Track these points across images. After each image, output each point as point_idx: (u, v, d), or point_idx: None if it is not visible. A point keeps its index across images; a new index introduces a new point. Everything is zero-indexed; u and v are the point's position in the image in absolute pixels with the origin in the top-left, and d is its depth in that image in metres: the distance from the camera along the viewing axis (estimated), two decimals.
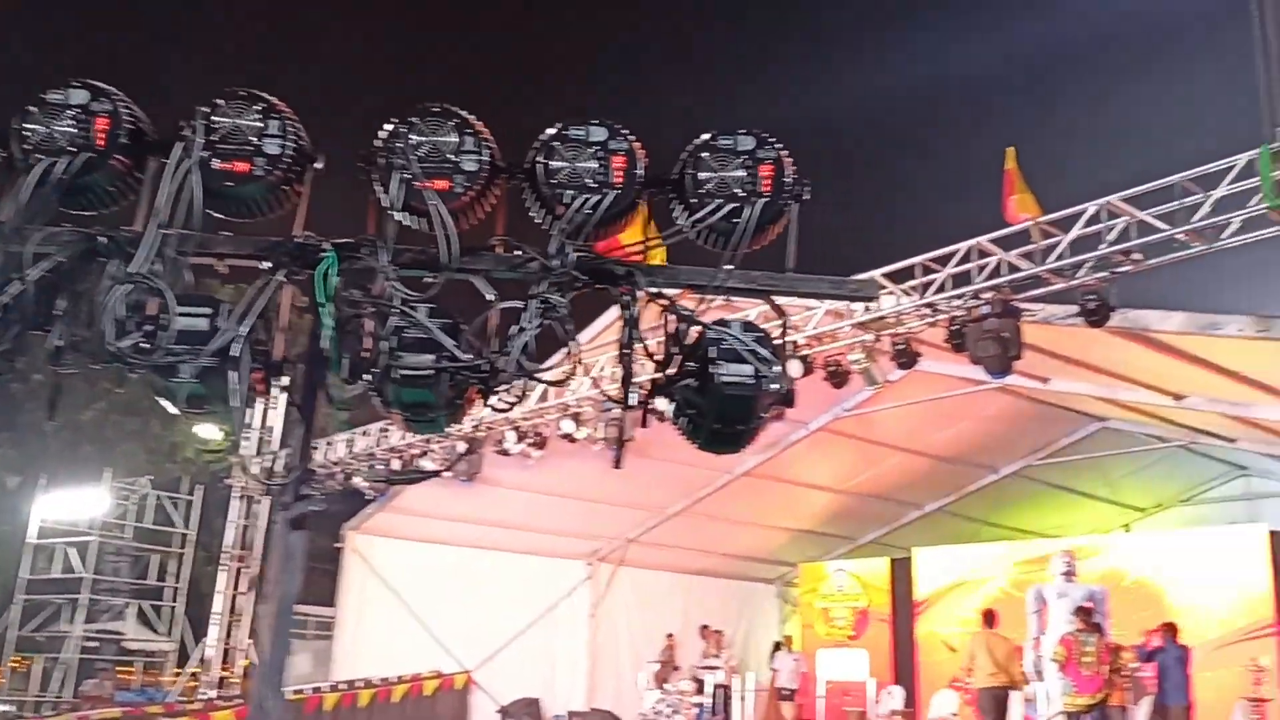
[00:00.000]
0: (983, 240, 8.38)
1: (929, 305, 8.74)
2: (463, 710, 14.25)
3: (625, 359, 2.30)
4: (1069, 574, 13.18)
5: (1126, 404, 12.42)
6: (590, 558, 16.77)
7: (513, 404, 2.35)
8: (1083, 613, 11.24)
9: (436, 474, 12.22)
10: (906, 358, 9.08)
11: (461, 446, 12.05)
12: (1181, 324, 8.07)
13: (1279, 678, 12.02)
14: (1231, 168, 7.03)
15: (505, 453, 11.79)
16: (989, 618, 12.43)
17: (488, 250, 2.43)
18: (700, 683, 15.31)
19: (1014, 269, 8.18)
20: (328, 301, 2.28)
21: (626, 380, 2.31)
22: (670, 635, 16.21)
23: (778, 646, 16.89)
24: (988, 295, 8.25)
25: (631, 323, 2.31)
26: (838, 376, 9.56)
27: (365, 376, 2.25)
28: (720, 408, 2.29)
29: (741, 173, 2.40)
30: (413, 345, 2.23)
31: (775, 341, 2.41)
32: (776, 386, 2.31)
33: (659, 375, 2.33)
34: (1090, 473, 15.62)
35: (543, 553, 16.18)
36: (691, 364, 2.31)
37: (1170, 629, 11.23)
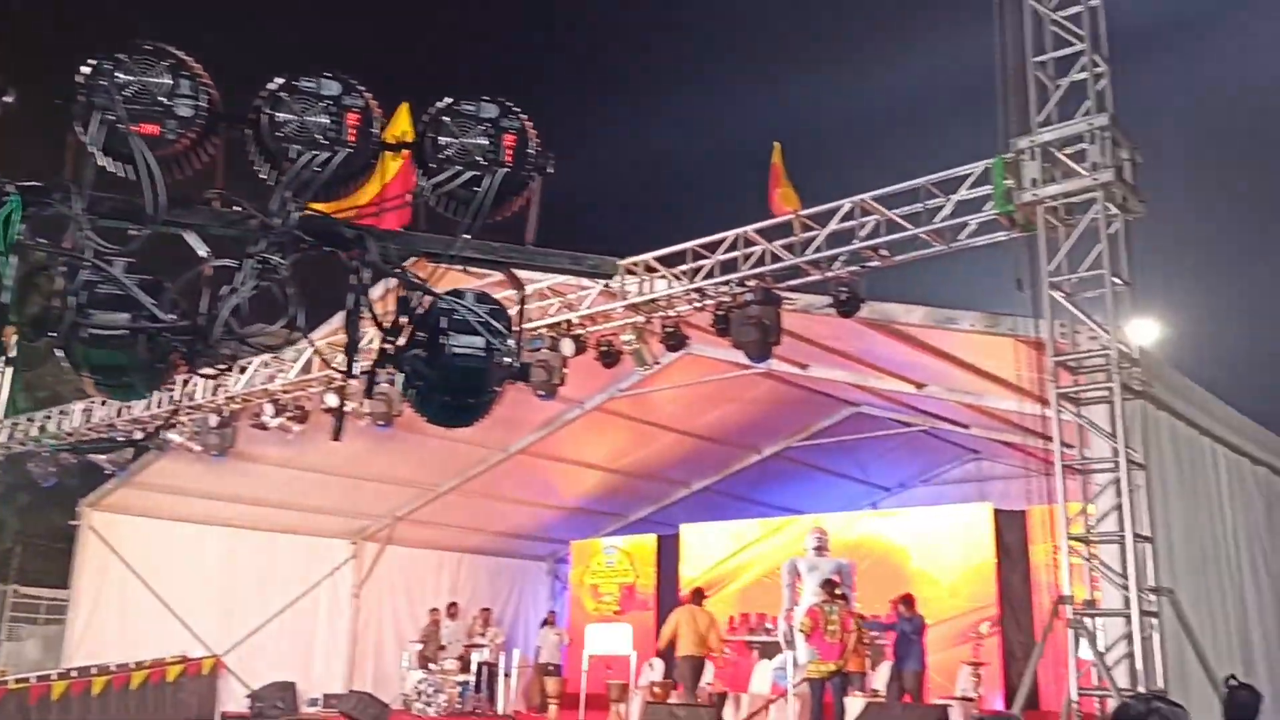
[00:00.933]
0: (748, 230, 8.67)
1: (698, 290, 8.97)
2: (210, 696, 13.51)
3: (351, 327, 2.20)
4: (820, 549, 13.95)
5: (876, 390, 13.26)
6: (355, 536, 16.28)
7: (221, 371, 2.19)
8: (829, 585, 11.93)
9: (125, 444, 11.49)
10: (675, 340, 9.30)
11: (213, 419, 11.36)
12: (922, 317, 8.65)
13: (999, 642, 13.20)
14: (970, 175, 7.59)
15: (263, 426, 11.21)
16: (697, 595, 13.20)
17: (203, 204, 2.26)
18: (465, 661, 15.20)
19: (776, 259, 8.52)
20: (8, 250, 2.05)
21: (350, 349, 2.21)
22: (434, 610, 16.01)
23: (546, 623, 17.03)
24: (752, 283, 8.55)
25: (360, 289, 2.21)
26: (609, 357, 9.67)
27: (50, 334, 2.04)
28: (450, 380, 2.22)
29: (483, 141, 2.34)
30: (105, 302, 2.03)
31: (532, 322, 2.37)
32: (510, 360, 2.28)
33: (387, 345, 2.24)
34: (843, 454, 16.59)
35: (304, 532, 15.56)
36: (422, 334, 2.24)
37: (907, 600, 12.09)
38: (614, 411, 14.56)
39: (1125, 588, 6.64)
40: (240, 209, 2.21)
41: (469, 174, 2.30)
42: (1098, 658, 6.73)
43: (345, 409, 8.89)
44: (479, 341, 2.22)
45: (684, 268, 9.00)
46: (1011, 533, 13.62)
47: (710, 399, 14.47)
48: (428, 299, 2.24)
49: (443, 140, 2.33)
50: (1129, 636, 6.65)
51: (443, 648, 15.49)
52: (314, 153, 2.21)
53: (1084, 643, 6.89)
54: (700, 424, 15.40)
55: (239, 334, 2.10)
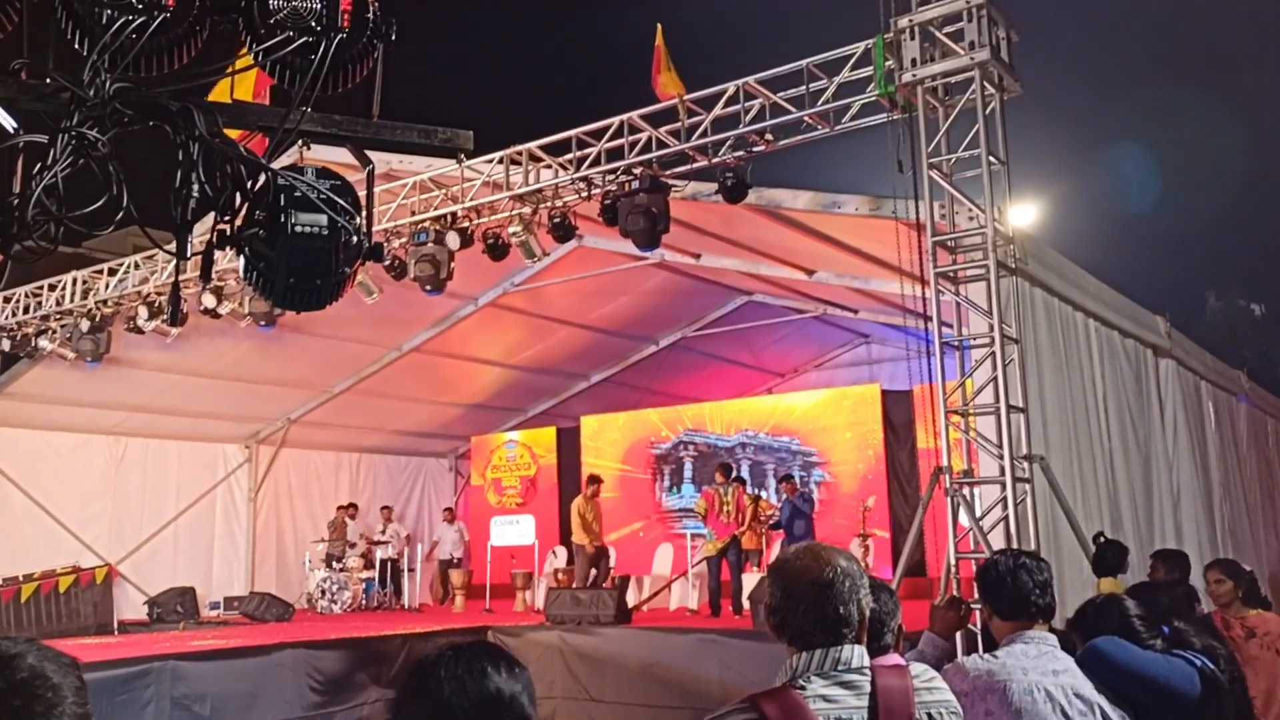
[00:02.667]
0: (633, 116, 8.51)
1: (584, 179, 8.82)
2: (106, 605, 13.28)
3: (180, 206, 2.07)
4: (719, 435, 14.23)
5: (767, 278, 13.40)
6: (248, 440, 15.99)
7: (43, 253, 2.04)
8: (723, 468, 12.25)
9: None
10: (564, 231, 9.18)
11: (84, 324, 10.87)
12: (808, 202, 8.69)
13: (888, 516, 13.76)
14: (851, 55, 7.54)
15: (139, 330, 10.78)
16: (587, 482, 13.25)
17: (7, 75, 2.07)
18: (369, 559, 15.24)
19: (662, 145, 8.41)
20: None
21: (181, 230, 2.08)
22: (340, 508, 15.93)
23: (445, 519, 17.12)
24: (638, 170, 8.44)
25: (189, 165, 2.07)
26: (497, 250, 9.51)
27: None
28: (293, 260, 2.12)
29: (317, 4, 2.20)
30: None
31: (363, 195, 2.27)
32: (357, 239, 2.18)
33: (223, 226, 2.12)
34: (738, 342, 16.84)
35: (194, 437, 15.21)
36: (259, 213, 2.12)
37: (789, 481, 12.48)
38: (508, 307, 14.44)
39: (1000, 456, 6.93)
40: (51, 81, 2.04)
41: (301, 40, 2.16)
42: (974, 523, 7.05)
43: (184, 290, 8.52)
44: (322, 219, 2.12)
45: (569, 156, 8.82)
46: (898, 412, 14.09)
47: (605, 292, 14.45)
48: (265, 176, 2.12)
49: (273, 4, 2.17)
50: (1004, 502, 6.97)
51: (352, 545, 15.50)
52: (127, 18, 2.04)
53: (963, 510, 7.22)
54: (596, 317, 15.40)
55: (55, 215, 1.96)
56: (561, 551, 14.50)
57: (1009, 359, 7.05)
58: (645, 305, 15.26)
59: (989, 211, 6.95)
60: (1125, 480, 8.91)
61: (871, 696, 2.01)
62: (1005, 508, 6.97)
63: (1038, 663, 2.97)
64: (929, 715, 2.06)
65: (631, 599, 12.62)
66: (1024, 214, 13.51)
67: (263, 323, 9.89)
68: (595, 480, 13.34)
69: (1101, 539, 6.89)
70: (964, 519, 7.28)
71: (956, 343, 7.27)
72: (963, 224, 7.16)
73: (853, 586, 2.06)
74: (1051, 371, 7.96)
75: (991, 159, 6.95)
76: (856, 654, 2.04)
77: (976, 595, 3.50)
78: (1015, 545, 6.77)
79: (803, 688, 1.99)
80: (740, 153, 8.05)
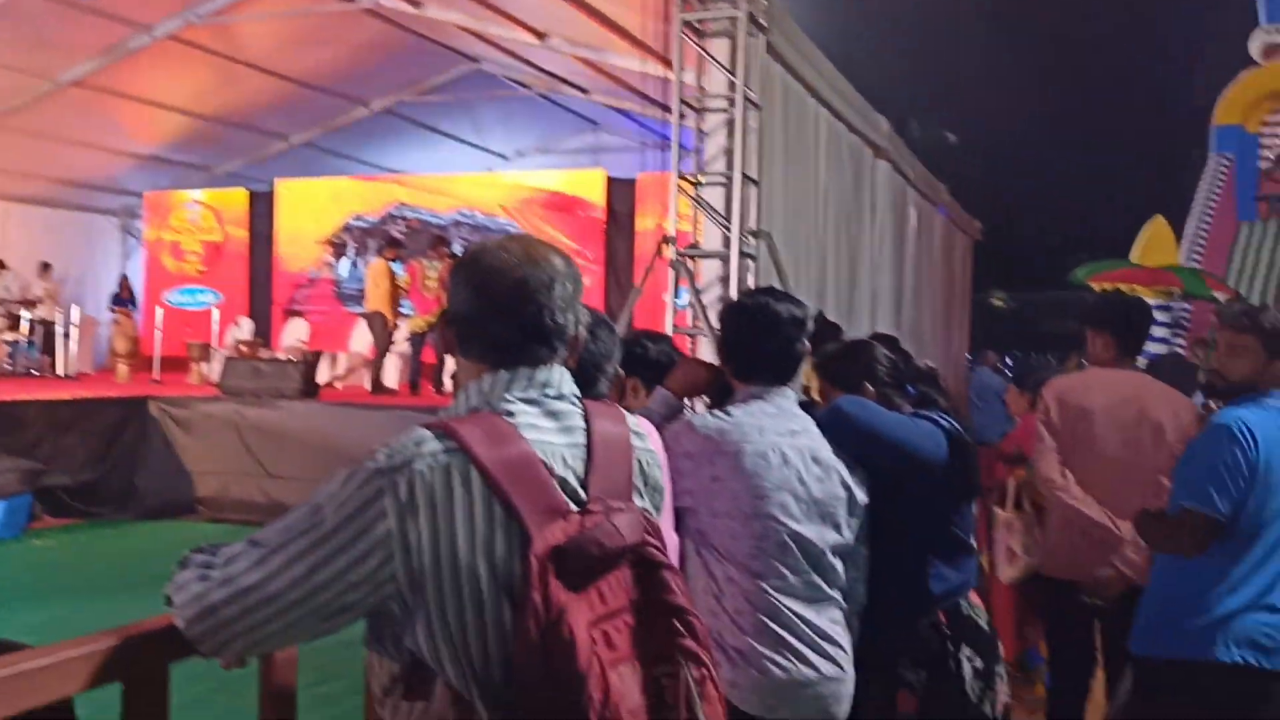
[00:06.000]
0: None
1: None
2: None
3: None
4: (432, 212, 13.25)
5: (495, 40, 12.28)
6: None
7: None
8: (439, 242, 11.44)
9: None
10: None
11: None
12: None
13: (602, 303, 13.49)
14: None
15: None
16: (393, 245, 11.73)
17: None
18: (14, 319, 13.22)
19: None
20: None
21: None
22: None
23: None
24: None
25: None
26: None
27: None
28: None
29: None
30: None
31: None
32: None
33: None
34: (460, 115, 15.65)
35: None
36: None
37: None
38: (192, 43, 12.43)
39: (728, 229, 6.60)
40: None
41: None
42: (695, 297, 6.74)
43: None
44: None
45: None
46: (621, 201, 13.67)
47: (310, 39, 12.76)
48: None
49: None
50: (725, 279, 6.69)
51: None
52: None
53: (683, 291, 6.89)
54: (298, 67, 13.64)
55: None
56: (246, 322, 13.21)
57: (750, 128, 6.62)
58: (356, 60, 13.68)
59: None
60: (834, 274, 8.95)
61: (587, 435, 1.45)
62: (725, 286, 6.70)
63: (775, 422, 2.52)
64: (640, 462, 1.54)
65: (324, 376, 11.73)
66: None
67: None
68: (396, 244, 11.74)
69: (820, 317, 6.77)
70: (682, 301, 6.97)
71: (695, 102, 6.74)
72: None
73: (573, 294, 1.50)
74: (781, 152, 7.63)
75: None
76: (567, 380, 1.50)
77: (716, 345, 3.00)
78: None
79: (508, 413, 1.41)
80: None
